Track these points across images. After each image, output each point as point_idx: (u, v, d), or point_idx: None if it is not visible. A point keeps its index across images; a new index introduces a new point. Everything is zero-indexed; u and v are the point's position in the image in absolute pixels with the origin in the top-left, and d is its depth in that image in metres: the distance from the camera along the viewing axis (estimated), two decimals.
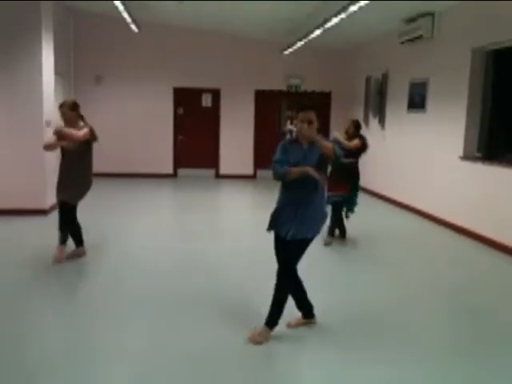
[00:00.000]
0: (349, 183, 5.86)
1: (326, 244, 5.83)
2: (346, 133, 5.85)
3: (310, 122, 3.26)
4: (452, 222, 6.82)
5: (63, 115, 4.80)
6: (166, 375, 2.91)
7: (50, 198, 7.04)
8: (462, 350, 3.37)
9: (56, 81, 7.59)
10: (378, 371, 3.03)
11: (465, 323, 3.88)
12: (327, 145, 3.22)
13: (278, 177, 3.34)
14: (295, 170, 3.25)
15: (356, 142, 5.72)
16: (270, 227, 3.45)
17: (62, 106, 4.80)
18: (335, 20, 6.66)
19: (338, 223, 6.03)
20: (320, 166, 3.28)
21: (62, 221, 4.92)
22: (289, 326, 3.58)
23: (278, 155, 3.37)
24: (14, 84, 6.63)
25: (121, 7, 7.15)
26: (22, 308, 3.80)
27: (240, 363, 3.10)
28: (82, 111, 4.97)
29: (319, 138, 3.21)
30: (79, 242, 5.07)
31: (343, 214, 6.04)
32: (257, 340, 3.34)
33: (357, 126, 5.90)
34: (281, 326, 3.44)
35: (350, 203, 5.97)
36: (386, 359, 3.17)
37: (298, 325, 3.62)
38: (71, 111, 4.78)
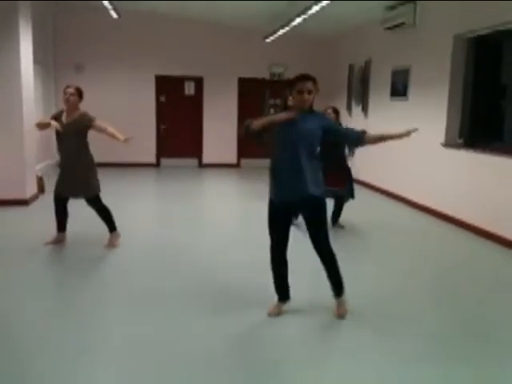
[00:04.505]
0: (344, 176, 5.83)
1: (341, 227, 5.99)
2: None
3: (309, 92, 3.13)
4: (432, 208, 6.90)
5: (72, 101, 4.78)
6: (164, 366, 2.91)
7: (30, 188, 6.97)
8: (451, 344, 3.38)
9: (35, 70, 7.45)
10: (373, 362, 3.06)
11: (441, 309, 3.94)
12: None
13: (245, 129, 3.14)
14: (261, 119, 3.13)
15: None
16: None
17: (73, 95, 4.78)
18: (317, 7, 6.64)
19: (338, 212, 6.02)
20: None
21: (102, 211, 4.95)
22: (270, 314, 3.46)
23: None
24: None
25: None
26: (4, 297, 3.76)
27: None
28: (62, 100, 4.97)
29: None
30: (63, 227, 5.02)
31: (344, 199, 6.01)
32: (345, 314, 3.44)
33: (337, 113, 5.87)
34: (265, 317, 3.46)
35: (350, 190, 5.92)
36: (376, 349, 3.21)
37: (278, 312, 3.47)
38: (79, 98, 4.87)
